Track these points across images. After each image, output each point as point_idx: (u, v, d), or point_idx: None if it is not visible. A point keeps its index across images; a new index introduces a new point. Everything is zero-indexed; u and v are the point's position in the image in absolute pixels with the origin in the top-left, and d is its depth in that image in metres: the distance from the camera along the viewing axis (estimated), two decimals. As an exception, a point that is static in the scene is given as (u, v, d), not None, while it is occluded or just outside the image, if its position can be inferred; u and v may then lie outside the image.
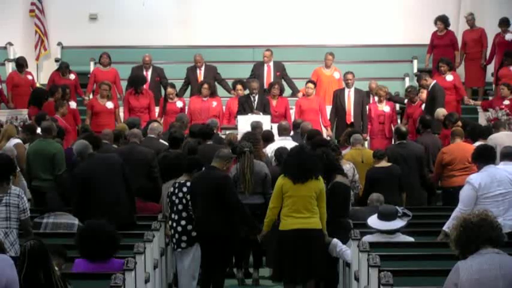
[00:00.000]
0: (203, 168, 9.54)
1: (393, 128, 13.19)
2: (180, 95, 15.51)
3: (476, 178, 8.42)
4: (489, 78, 16.70)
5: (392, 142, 13.27)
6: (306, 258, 8.45)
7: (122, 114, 14.94)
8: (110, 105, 14.67)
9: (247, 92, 14.85)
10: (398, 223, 8.24)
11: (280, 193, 8.57)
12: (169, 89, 14.86)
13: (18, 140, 11.37)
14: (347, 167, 10.41)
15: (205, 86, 14.89)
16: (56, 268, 5.79)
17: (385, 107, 14.56)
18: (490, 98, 15.32)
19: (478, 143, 10.55)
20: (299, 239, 8.45)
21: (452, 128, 12.07)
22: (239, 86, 15.10)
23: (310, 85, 14.99)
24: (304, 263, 8.47)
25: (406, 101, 14.90)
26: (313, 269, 8.51)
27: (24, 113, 14.62)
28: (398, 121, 14.60)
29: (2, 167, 7.56)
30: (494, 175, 8.42)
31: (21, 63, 15.93)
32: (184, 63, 16.67)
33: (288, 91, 15.91)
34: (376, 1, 18.45)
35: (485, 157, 8.63)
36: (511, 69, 15.49)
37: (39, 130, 11.49)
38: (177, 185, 9.26)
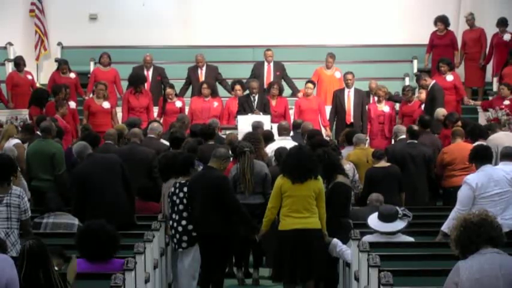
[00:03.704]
0: (196, 163, 9.56)
1: (393, 128, 13.16)
2: (181, 94, 15.52)
3: (473, 178, 8.44)
4: (489, 78, 16.71)
5: (392, 142, 13.26)
6: (306, 258, 8.45)
7: (120, 114, 14.94)
8: (106, 105, 14.67)
9: (246, 92, 14.85)
10: (399, 224, 8.22)
11: (279, 193, 8.56)
12: (169, 90, 14.87)
13: (17, 140, 11.37)
14: (347, 167, 10.42)
15: (205, 85, 14.91)
16: (56, 268, 5.79)
17: (385, 107, 14.56)
18: (490, 98, 15.32)
19: (477, 143, 10.54)
20: (298, 239, 8.44)
21: (452, 127, 12.07)
22: (238, 87, 15.10)
23: (310, 85, 15.01)
24: (304, 263, 8.46)
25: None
26: (313, 269, 8.50)
27: (24, 113, 14.61)
28: (398, 121, 14.59)
29: (2, 168, 7.54)
30: (491, 175, 8.44)
31: (17, 62, 15.95)
32: (184, 63, 16.69)
33: (288, 91, 15.93)
34: (376, 1, 18.45)
35: (481, 157, 8.65)
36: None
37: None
38: (177, 185, 9.26)
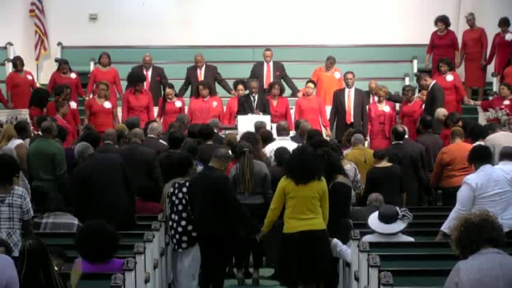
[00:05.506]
0: (195, 163, 9.54)
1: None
2: (180, 94, 15.51)
3: (473, 178, 8.45)
4: (489, 78, 16.71)
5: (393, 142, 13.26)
6: (311, 260, 8.40)
7: (120, 114, 14.94)
8: (107, 105, 14.67)
9: (246, 92, 14.85)
10: (399, 225, 8.22)
11: (283, 194, 8.52)
12: (168, 90, 14.85)
13: (20, 141, 11.36)
14: (348, 167, 10.41)
15: (201, 87, 14.88)
16: (56, 268, 5.79)
17: (385, 107, 14.55)
18: (490, 98, 15.32)
19: (477, 143, 10.55)
20: (304, 241, 8.37)
21: (453, 127, 12.08)
22: (240, 86, 15.09)
23: (310, 85, 15.01)
24: (309, 265, 8.41)
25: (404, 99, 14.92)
26: (318, 270, 8.46)
27: (24, 113, 14.61)
28: (398, 121, 14.59)
29: (4, 168, 7.54)
30: (490, 175, 8.45)
31: (14, 63, 15.96)
32: (184, 63, 16.69)
33: (288, 91, 15.92)
34: (376, 1, 18.46)
35: (481, 157, 8.66)
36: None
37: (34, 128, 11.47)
38: (176, 185, 9.26)
